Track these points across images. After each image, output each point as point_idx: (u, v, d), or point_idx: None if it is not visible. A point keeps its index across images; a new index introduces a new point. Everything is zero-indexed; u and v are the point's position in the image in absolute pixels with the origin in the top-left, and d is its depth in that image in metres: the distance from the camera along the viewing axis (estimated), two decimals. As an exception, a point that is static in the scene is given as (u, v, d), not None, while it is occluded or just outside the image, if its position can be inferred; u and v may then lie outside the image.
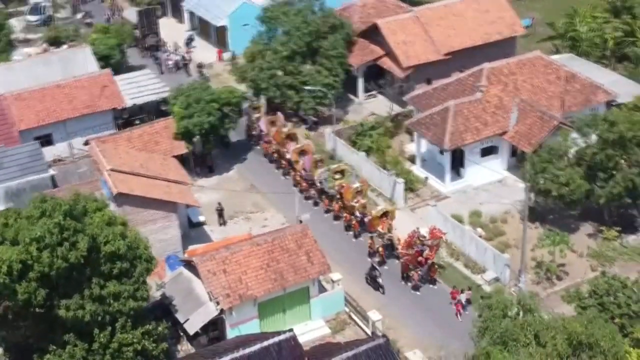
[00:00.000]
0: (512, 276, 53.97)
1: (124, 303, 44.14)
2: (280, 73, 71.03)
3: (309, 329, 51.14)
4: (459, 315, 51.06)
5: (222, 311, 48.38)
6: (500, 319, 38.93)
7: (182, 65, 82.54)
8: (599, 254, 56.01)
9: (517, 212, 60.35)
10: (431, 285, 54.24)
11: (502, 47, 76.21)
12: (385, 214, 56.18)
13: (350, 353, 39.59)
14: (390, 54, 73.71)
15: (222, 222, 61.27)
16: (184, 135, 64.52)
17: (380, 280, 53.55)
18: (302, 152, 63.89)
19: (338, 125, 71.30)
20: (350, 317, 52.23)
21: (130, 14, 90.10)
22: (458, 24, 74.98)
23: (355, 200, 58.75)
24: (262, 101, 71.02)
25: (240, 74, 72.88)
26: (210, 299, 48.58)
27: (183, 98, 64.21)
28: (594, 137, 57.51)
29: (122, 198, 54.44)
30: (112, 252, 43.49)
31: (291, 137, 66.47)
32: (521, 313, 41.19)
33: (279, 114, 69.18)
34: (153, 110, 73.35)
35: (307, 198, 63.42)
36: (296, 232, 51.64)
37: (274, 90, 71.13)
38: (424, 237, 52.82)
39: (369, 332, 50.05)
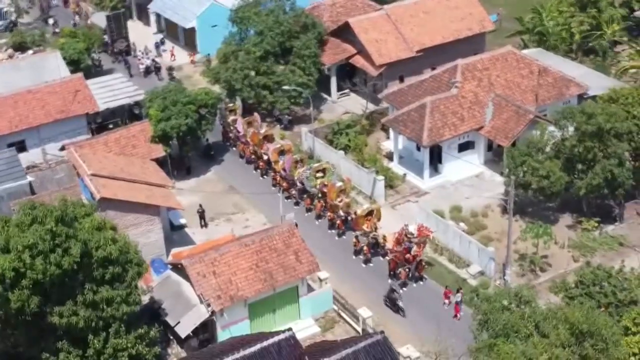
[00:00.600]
0: (496, 269, 54.52)
1: (116, 308, 43.93)
2: (252, 74, 70.91)
3: (299, 328, 50.85)
4: (458, 316, 51.04)
5: (212, 313, 48.27)
6: (500, 311, 39.33)
7: (153, 69, 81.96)
8: (579, 244, 56.77)
9: (497, 205, 61.04)
10: (420, 282, 54.55)
11: (472, 43, 77.02)
12: (370, 213, 56.35)
13: (349, 350, 39.72)
14: (362, 52, 74.01)
15: (204, 224, 61.06)
16: (162, 138, 64.18)
17: (400, 303, 51.85)
18: (281, 152, 63.94)
19: (313, 125, 71.45)
20: (339, 315, 52.38)
21: (99, 18, 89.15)
22: (428, 21, 75.53)
23: (339, 199, 58.90)
24: (238, 102, 70.85)
25: (213, 75, 72.58)
26: (201, 302, 48.46)
27: (159, 101, 63.87)
28: (570, 130, 58.33)
29: (105, 203, 53.92)
30: (104, 257, 43.27)
31: (268, 138, 66.46)
32: (515, 305, 41.63)
33: (256, 114, 69.14)
34: (126, 114, 72.91)
35: (287, 198, 63.44)
36: (283, 231, 51.69)
37: (249, 90, 71.05)
38: (412, 234, 53.11)
39: (359, 330, 50.30)
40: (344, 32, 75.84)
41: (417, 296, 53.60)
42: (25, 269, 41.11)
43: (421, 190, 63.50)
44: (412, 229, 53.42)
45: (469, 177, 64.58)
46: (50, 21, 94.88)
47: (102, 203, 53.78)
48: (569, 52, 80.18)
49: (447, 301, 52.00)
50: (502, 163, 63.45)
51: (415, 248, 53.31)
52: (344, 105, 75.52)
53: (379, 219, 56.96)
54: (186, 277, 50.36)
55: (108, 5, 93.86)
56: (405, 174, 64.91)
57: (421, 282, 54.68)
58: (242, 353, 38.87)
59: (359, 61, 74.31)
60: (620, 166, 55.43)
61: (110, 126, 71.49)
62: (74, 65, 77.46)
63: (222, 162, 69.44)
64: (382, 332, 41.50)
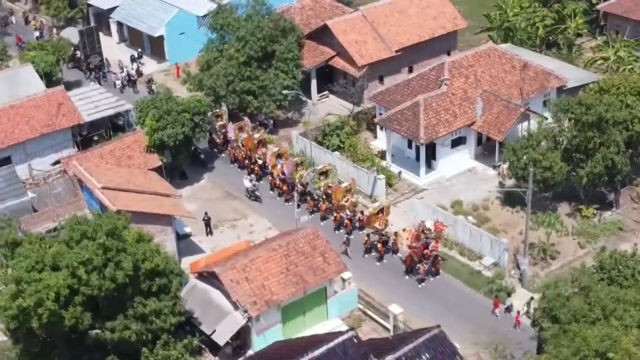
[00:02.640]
0: (510, 260, 55.99)
1: (164, 320, 43.81)
2: (237, 80, 70.98)
3: (328, 328, 51.60)
4: (517, 326, 51.12)
5: (248, 319, 48.40)
6: (565, 299, 40.56)
7: (128, 83, 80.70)
8: (582, 231, 58.65)
9: (496, 198, 62.61)
10: (437, 277, 55.64)
11: (445, 41, 78.68)
12: (381, 211, 57.17)
13: (410, 346, 40.51)
14: (341, 53, 74.75)
15: (209, 231, 60.91)
16: (157, 147, 63.80)
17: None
18: (278, 156, 64.26)
19: (299, 128, 72.10)
20: (364, 313, 53.06)
21: (70, 33, 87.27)
22: (404, 20, 76.74)
23: (345, 199, 59.55)
24: (224, 108, 70.79)
25: (196, 83, 72.26)
26: (236, 308, 48.53)
27: (155, 110, 63.38)
28: (565, 122, 60.23)
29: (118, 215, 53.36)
30: (152, 268, 43.09)
31: (262, 142, 66.71)
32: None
33: (246, 119, 69.28)
34: (107, 126, 72.06)
35: (286, 201, 63.83)
36: (308, 234, 52.15)
37: (234, 96, 71.07)
38: (429, 230, 54.14)
39: (390, 327, 51.05)
40: (321, 35, 76.48)
41: (437, 291, 54.65)
42: (78, 286, 40.70)
43: (418, 187, 64.59)
44: (429, 224, 54.43)
45: (462, 172, 65.98)
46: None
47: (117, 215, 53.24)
48: (533, 47, 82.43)
49: (497, 310, 52.17)
50: (496, 157, 65.19)
51: (433, 243, 54.36)
52: (324, 107, 76.05)
53: (387, 215, 57.79)
54: (214, 285, 50.41)
55: (65, 17, 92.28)
56: (400, 172, 65.90)
57: (438, 277, 55.77)
58: (310, 355, 39.15)
59: (339, 63, 75.04)
60: (620, 154, 57.48)
61: (95, 138, 70.70)
62: (46, 78, 76.09)
63: (214, 169, 69.30)
64: (438, 325, 42.33)
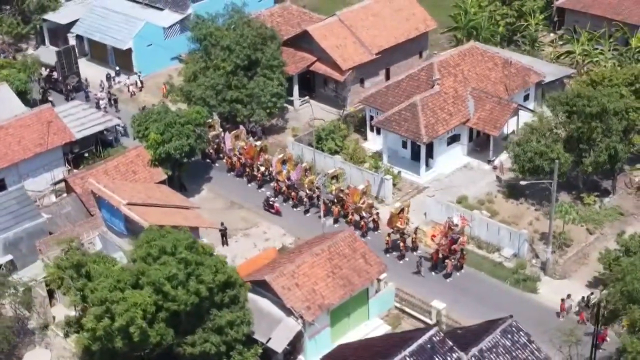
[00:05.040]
0: (529, 250, 58.12)
1: (236, 330, 43.96)
2: (225, 89, 71.20)
3: (370, 329, 52.73)
4: (584, 322, 52.32)
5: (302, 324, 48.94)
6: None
7: (109, 102, 79.27)
8: (587, 218, 61.25)
9: (497, 192, 64.74)
10: (462, 271, 57.27)
11: (417, 43, 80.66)
12: (402, 210, 58.41)
13: (490, 336, 41.97)
14: (322, 59, 75.65)
15: (225, 242, 60.90)
16: (162, 160, 63.40)
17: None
18: (283, 162, 64.80)
19: (286, 134, 72.83)
20: (402, 311, 54.19)
21: (45, 53, 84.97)
22: (379, 23, 78.16)
23: (361, 201, 60.55)
24: (216, 118, 70.75)
25: (184, 94, 71.90)
26: (289, 314, 48.95)
27: (159, 124, 62.94)
28: (561, 115, 62.82)
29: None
30: (225, 280, 43.17)
31: (262, 149, 67.11)
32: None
33: (242, 127, 69.49)
34: (95, 142, 70.99)
35: (294, 206, 64.43)
36: (346, 237, 52.97)
37: (224, 106, 71.13)
38: (456, 225, 55.69)
39: (431, 323, 52.28)
40: (298, 41, 77.23)
41: (465, 285, 56.25)
42: (162, 302, 40.51)
43: (420, 185, 66.13)
44: (456, 220, 55.99)
45: (458, 168, 67.90)
46: None
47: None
48: (495, 44, 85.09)
49: (564, 312, 53.11)
50: (490, 152, 67.37)
51: (461, 238, 55.96)
52: (306, 112, 76.66)
53: (408, 213, 59.14)
54: (258, 293, 50.63)
55: (20, 33, 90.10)
56: (399, 172, 67.26)
57: (462, 271, 57.38)
58: (403, 354, 40.06)
59: (320, 68, 75.92)
60: (621, 142, 60.35)
61: (86, 155, 69.61)
62: (20, 96, 74.32)
63: (211, 179, 69.18)
64: (511, 315, 43.83)
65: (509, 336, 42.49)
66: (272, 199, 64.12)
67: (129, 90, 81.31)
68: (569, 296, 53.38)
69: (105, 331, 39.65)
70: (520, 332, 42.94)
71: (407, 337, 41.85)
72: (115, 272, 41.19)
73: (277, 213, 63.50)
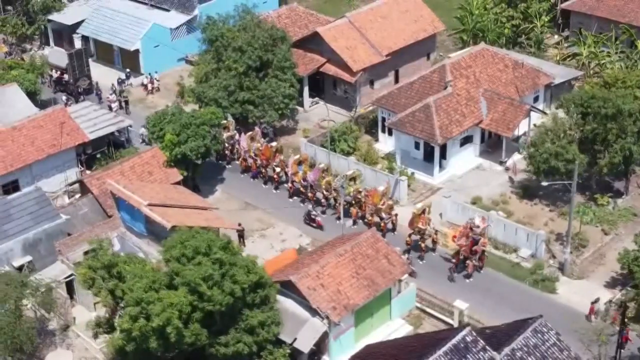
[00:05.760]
0: (547, 250, 58.51)
1: (267, 330, 44.08)
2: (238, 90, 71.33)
3: (392, 329, 52.97)
4: (613, 323, 52.06)
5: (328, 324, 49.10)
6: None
7: (120, 104, 79.08)
8: (602, 219, 61.68)
9: (511, 192, 65.15)
10: (481, 271, 57.59)
11: (425, 44, 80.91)
12: (423, 211, 58.66)
13: (521, 336, 42.27)
14: (332, 60, 75.84)
15: (242, 242, 60.94)
16: (178, 162, 63.40)
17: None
18: (299, 163, 64.97)
19: (297, 135, 73.01)
20: (423, 311, 54.43)
21: (56, 55, 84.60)
22: (387, 25, 78.40)
23: (382, 203, 60.77)
24: (230, 119, 70.76)
25: (196, 95, 71.92)
26: (314, 315, 49.09)
27: (175, 125, 62.95)
28: (575, 116, 63.30)
29: (172, 232, 53.03)
30: (257, 281, 43.27)
31: (278, 150, 67.26)
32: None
33: (257, 129, 69.63)
34: (108, 143, 70.94)
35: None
36: (368, 237, 53.20)
37: (236, 107, 71.21)
38: (478, 227, 56.01)
39: (454, 323, 52.58)
40: (308, 42, 77.41)
41: (485, 285, 56.59)
42: (197, 302, 40.58)
43: (434, 187, 66.43)
44: (478, 221, 56.31)
45: (471, 169, 68.28)
46: None
47: (171, 232, 52.88)
48: (501, 46, 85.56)
49: (593, 316, 53.16)
50: (503, 153, 67.78)
51: (482, 239, 56.28)
52: (315, 114, 76.92)
53: (429, 214, 59.41)
54: (282, 294, 50.70)
55: (25, 34, 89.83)
56: (413, 173, 67.53)
57: (481, 271, 57.70)
58: (437, 353, 40.29)
59: (331, 69, 76.09)
60: (636, 144, 60.86)
61: (98, 156, 69.52)
62: (30, 97, 74.18)
63: (224, 180, 69.24)
64: (541, 315, 44.14)
65: (539, 335, 42.81)
66: (313, 212, 62.62)
67: (146, 89, 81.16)
68: (597, 300, 53.48)
69: (140, 332, 39.66)
70: (550, 332, 43.26)
71: (440, 337, 42.09)
72: (150, 273, 41.18)
73: (319, 227, 62.28)
